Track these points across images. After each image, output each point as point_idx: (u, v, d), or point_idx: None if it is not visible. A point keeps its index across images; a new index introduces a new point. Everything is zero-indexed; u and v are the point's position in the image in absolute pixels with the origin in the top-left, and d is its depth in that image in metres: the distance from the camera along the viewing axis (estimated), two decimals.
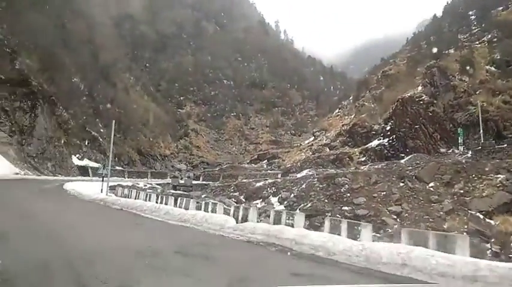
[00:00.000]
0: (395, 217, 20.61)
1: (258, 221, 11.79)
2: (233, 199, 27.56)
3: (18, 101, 42.24)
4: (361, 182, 22.72)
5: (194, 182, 48.07)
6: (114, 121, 26.58)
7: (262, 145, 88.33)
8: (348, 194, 21.99)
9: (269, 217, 12.16)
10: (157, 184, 41.56)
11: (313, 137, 68.26)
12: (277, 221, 10.60)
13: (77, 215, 12.84)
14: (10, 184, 25.19)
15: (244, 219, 12.00)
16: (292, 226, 9.74)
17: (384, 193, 22.14)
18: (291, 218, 10.30)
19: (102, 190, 23.92)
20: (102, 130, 58.30)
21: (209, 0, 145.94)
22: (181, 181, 44.33)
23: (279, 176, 52.57)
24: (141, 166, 63.77)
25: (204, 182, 47.17)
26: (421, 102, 41.95)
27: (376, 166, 25.04)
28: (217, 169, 61.12)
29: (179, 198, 17.06)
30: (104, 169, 23.96)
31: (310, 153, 55.25)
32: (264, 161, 62.77)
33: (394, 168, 24.32)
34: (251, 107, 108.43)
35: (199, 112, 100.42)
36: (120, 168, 56.95)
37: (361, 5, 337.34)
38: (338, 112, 68.37)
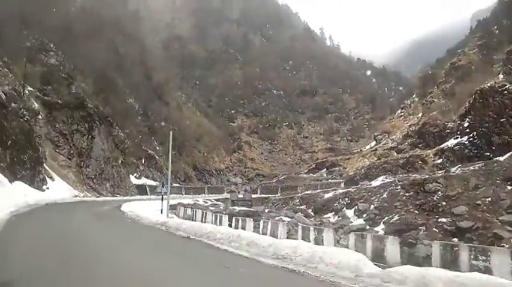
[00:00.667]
0: (510, 228, 16.45)
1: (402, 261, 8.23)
2: (300, 213, 24.55)
3: (75, 124, 42.67)
4: (457, 187, 18.74)
5: (253, 195, 45.63)
6: (171, 133, 24.15)
7: (317, 153, 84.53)
8: (444, 203, 18.14)
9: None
10: (215, 200, 39.58)
11: (375, 142, 63.49)
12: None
13: (139, 253, 9.38)
14: (68, 207, 24.21)
15: (380, 255, 8.45)
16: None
17: (489, 199, 17.99)
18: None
19: (162, 210, 22.03)
20: (157, 148, 58.16)
21: (254, 13, 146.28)
22: (240, 195, 42.05)
23: (342, 185, 48.81)
24: (197, 181, 62.77)
25: (263, 195, 44.57)
26: (505, 91, 36.34)
27: (471, 167, 20.87)
28: (274, 180, 58.44)
29: (261, 221, 14.04)
30: (162, 187, 21.78)
31: (375, 158, 50.78)
32: (323, 170, 59.11)
33: (495, 168, 20.03)
34: (303, 115, 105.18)
35: (251, 124, 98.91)
36: (177, 185, 56.14)
37: (407, 2, 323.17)
38: (401, 112, 63.18)
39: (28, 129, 30.55)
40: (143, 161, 53.45)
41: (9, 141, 27.57)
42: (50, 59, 43.02)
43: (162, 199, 21.67)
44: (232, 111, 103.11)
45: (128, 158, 50.09)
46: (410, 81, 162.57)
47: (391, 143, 51.63)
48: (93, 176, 42.13)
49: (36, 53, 41.21)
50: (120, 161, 47.29)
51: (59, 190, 33.31)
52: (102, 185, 42.80)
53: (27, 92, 34.67)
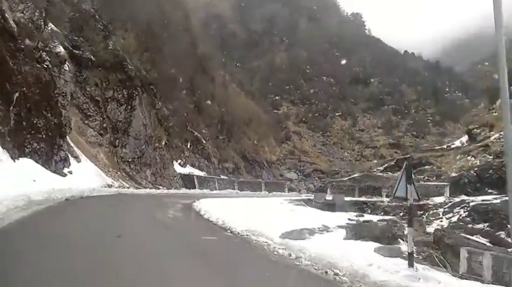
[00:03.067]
0: None
1: None
2: None
3: (111, 89, 32.47)
4: None
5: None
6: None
7: (380, 149, 72.49)
8: None
9: None
10: (299, 200, 28.45)
11: (468, 137, 51.13)
12: None
13: None
14: (105, 205, 13.84)
15: None
16: None
17: None
18: None
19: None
20: (204, 131, 47.69)
21: None
22: (329, 197, 31.00)
23: (447, 190, 37.37)
24: (246, 174, 52.12)
25: (355, 199, 33.31)
26: None
27: None
28: (345, 178, 47.25)
29: None
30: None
31: (489, 156, 38.69)
32: (414, 171, 47.41)
33: None
34: (356, 105, 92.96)
35: (298, 113, 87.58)
36: (224, 177, 45.64)
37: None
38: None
39: (47, 80, 20.22)
40: (189, 145, 43.08)
41: (17, 94, 17.32)
42: (83, 2, 32.83)
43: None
44: (277, 98, 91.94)
45: (172, 140, 39.78)
46: (464, 77, 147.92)
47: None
48: (130, 159, 31.89)
49: None
50: (163, 143, 36.99)
51: (85, 175, 23.10)
52: (142, 172, 32.52)
53: (49, 29, 24.42)
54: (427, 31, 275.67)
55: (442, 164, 44.96)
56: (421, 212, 23.37)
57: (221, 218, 11.00)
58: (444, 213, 21.24)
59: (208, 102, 53.48)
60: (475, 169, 39.62)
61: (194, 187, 36.10)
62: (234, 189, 40.54)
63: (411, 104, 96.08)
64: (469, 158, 42.46)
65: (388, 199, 27.86)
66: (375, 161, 67.05)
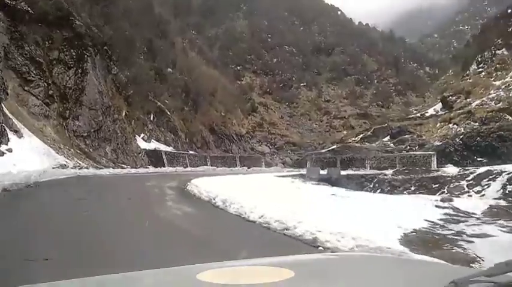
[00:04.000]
0: None
1: None
2: None
3: (56, 49, 26.45)
4: None
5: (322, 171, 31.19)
6: None
7: (349, 119, 70.68)
8: None
9: None
10: (291, 176, 24.80)
11: (442, 104, 50.05)
12: None
13: None
14: (69, 200, 9.21)
15: None
16: None
17: None
18: None
19: None
20: (167, 101, 42.32)
21: None
22: (323, 172, 27.68)
23: (433, 159, 35.98)
24: (215, 148, 47.75)
25: (352, 172, 30.29)
26: None
27: None
28: (323, 150, 44.42)
29: None
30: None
31: (476, 123, 37.31)
32: (386, 138, 45.49)
33: None
34: (320, 76, 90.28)
35: (262, 83, 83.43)
36: (192, 152, 41.08)
37: None
38: (479, 69, 49.82)
39: None
40: (152, 118, 37.80)
41: None
42: None
43: None
44: (239, 68, 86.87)
45: (133, 112, 34.35)
46: (416, 48, 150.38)
47: (493, 103, 38.16)
48: (85, 134, 26.47)
49: None
50: (124, 114, 31.59)
51: (30, 154, 17.88)
52: (100, 148, 27.25)
53: None
54: (379, 2, 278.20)
55: (422, 132, 43.36)
56: (437, 185, 20.61)
57: (264, 215, 6.86)
58: (470, 186, 18.56)
59: (170, 70, 47.79)
60: (460, 136, 38.11)
61: (163, 165, 31.37)
62: (207, 165, 36.26)
63: (373, 74, 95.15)
64: (451, 125, 41.04)
65: (391, 172, 25.02)
66: (345, 132, 65.26)
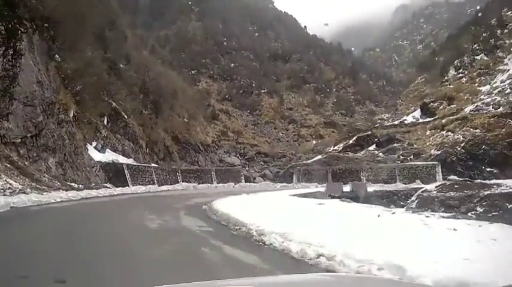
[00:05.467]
0: None
1: None
2: None
3: None
4: None
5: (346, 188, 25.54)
6: None
7: (315, 127, 66.53)
8: None
9: None
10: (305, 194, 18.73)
11: (421, 111, 47.35)
12: None
13: None
14: None
15: None
16: None
17: None
18: None
19: None
20: (122, 103, 34.34)
21: None
22: (347, 189, 21.94)
23: (438, 170, 32.66)
24: (179, 160, 40.38)
25: (382, 189, 24.83)
26: None
27: None
28: (309, 161, 38.94)
29: None
30: None
31: (477, 130, 34.18)
32: (371, 147, 41.24)
33: None
34: (279, 83, 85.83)
35: (220, 89, 77.03)
36: (155, 165, 33.48)
37: None
38: (458, 74, 47.70)
39: None
40: (106, 121, 29.78)
41: None
42: None
43: None
44: (193, 72, 79.69)
45: (83, 113, 26.28)
46: (362, 60, 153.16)
47: (492, 108, 35.37)
48: (18, 140, 18.33)
49: None
50: (71, 115, 23.56)
51: None
52: (40, 160, 19.19)
53: None
54: (324, 14, 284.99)
55: (411, 140, 39.71)
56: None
57: None
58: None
59: (123, 65, 39.82)
60: (461, 144, 34.77)
61: (126, 183, 23.79)
62: (179, 182, 29.09)
63: (331, 83, 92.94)
64: (444, 133, 37.76)
65: (433, 187, 20.08)
66: (314, 142, 60.95)
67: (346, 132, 66.26)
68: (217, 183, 31.85)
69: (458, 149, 33.90)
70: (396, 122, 48.17)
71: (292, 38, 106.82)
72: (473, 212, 17.17)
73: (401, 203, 20.33)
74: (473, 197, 17.88)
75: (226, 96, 73.92)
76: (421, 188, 21.20)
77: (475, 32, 51.34)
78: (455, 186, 19.85)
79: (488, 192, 17.36)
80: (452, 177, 32.72)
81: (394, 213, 12.42)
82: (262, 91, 77.72)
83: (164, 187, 23.96)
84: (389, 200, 20.50)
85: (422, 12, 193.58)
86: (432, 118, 42.88)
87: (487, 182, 21.95)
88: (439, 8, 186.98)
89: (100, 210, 11.57)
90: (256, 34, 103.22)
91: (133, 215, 9.77)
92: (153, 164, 32.63)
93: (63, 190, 16.56)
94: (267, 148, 51.83)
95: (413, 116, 49.02)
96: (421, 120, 43.99)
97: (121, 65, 40.14)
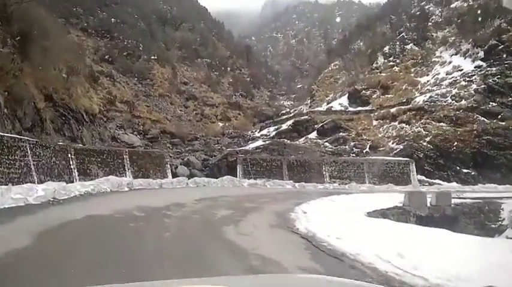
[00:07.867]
0: None
1: None
2: None
3: None
4: None
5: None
6: None
7: (219, 107, 57.06)
8: None
9: None
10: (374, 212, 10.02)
11: (351, 99, 43.04)
12: None
13: None
14: None
15: None
16: None
17: None
18: None
19: None
20: None
21: None
22: (430, 197, 13.53)
23: (413, 168, 28.54)
24: (55, 133, 26.34)
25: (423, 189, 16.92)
26: None
27: None
28: (248, 148, 29.51)
29: None
30: None
31: (445, 124, 30.43)
32: (312, 135, 34.27)
33: None
34: (169, 52, 72.99)
35: (97, 46, 60.40)
36: (16, 136, 19.57)
37: None
38: (391, 63, 44.35)
39: None
40: None
41: None
42: None
43: None
44: (60, 20, 60.59)
45: None
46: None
47: (453, 100, 32.18)
48: None
49: None
50: None
51: None
52: None
53: None
54: None
55: (358, 130, 34.32)
56: None
57: None
58: None
59: None
60: (426, 139, 30.69)
61: None
62: (71, 164, 16.64)
63: (226, 61, 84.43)
64: (397, 124, 33.36)
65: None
66: (221, 124, 51.77)
67: (251, 115, 59.18)
68: (133, 177, 20.10)
69: (424, 144, 29.59)
70: (322, 109, 42.77)
71: (183, 5, 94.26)
72: None
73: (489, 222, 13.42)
74: None
75: (106, 57, 58.05)
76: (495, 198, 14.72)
77: (398, 21, 50.02)
78: None
79: None
80: (420, 177, 28.15)
81: None
82: (152, 58, 64.03)
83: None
84: (477, 219, 13.35)
85: (295, 9, 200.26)
86: (372, 107, 38.64)
87: None
88: (309, 7, 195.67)
89: None
90: None
91: None
92: (26, 138, 18.67)
93: None
94: (173, 127, 40.35)
95: (340, 104, 44.40)
96: (360, 108, 39.32)
97: None
